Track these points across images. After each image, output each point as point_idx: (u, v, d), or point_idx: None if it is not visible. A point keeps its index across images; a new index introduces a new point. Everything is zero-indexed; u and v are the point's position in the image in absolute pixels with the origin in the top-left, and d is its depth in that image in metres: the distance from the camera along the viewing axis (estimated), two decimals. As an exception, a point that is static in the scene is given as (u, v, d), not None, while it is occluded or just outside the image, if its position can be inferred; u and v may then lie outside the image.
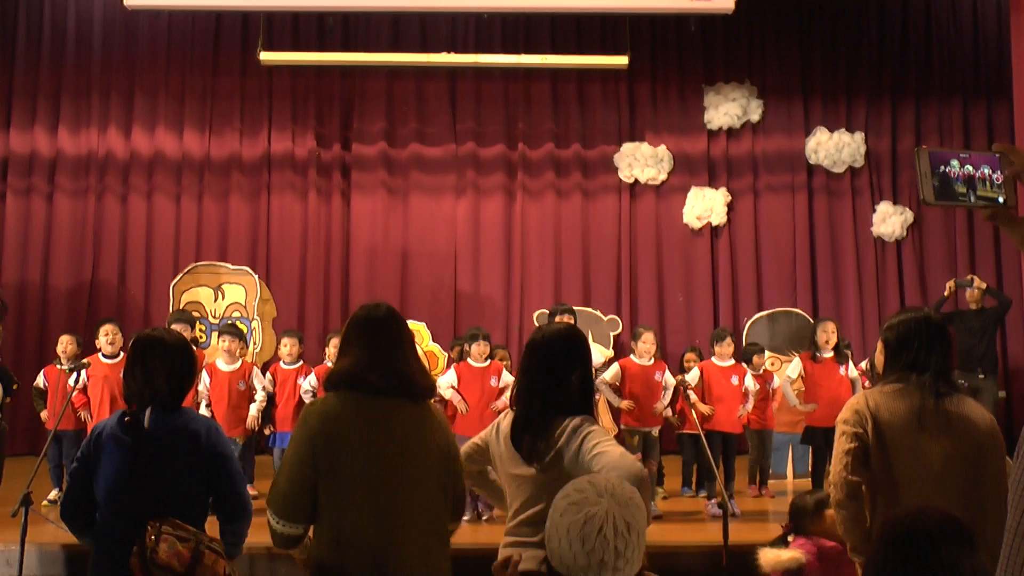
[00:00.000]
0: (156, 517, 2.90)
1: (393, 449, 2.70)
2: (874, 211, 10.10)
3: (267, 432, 7.46)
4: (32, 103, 9.88)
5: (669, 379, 7.03)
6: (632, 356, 7.17)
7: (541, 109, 10.15)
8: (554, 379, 2.80)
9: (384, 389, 2.73)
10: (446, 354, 9.20)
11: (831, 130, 10.07)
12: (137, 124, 9.91)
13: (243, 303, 9.59)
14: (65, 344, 7.32)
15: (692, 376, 7.00)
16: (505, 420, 2.92)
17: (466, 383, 7.17)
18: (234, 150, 9.90)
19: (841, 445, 3.02)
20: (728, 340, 7.24)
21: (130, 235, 9.84)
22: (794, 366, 7.21)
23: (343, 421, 2.71)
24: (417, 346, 7.77)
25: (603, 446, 2.65)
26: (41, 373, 7.33)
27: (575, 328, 3.09)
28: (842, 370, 7.10)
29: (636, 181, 10.07)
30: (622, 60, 9.03)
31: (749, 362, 7.49)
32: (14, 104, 9.86)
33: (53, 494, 6.83)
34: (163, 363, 3.08)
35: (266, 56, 8.98)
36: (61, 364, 7.18)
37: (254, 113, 9.95)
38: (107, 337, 7.06)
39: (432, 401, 2.91)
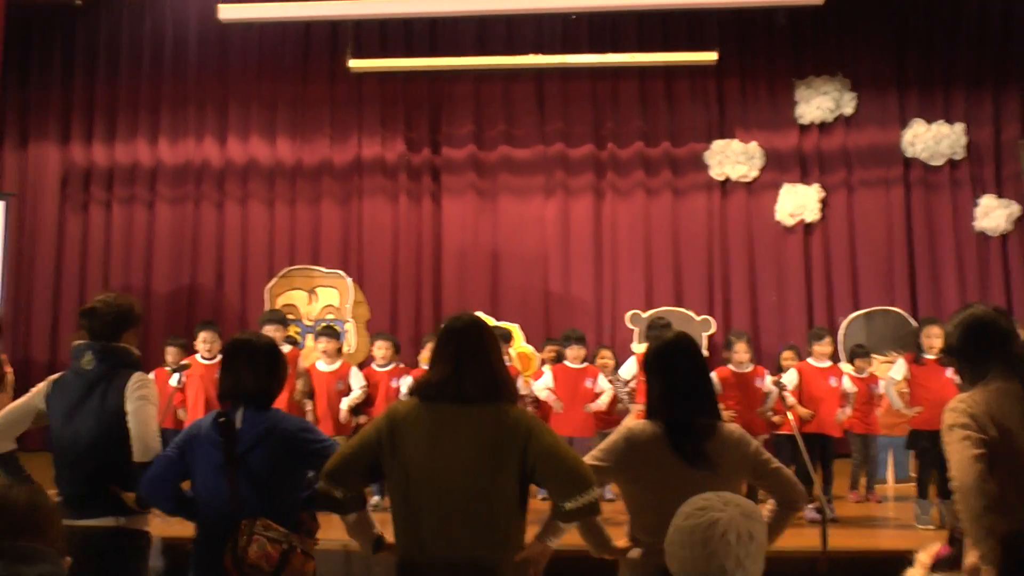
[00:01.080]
0: (248, 517, 2.97)
1: (448, 451, 2.78)
2: (976, 205, 9.86)
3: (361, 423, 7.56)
4: (134, 116, 10.41)
5: (770, 384, 6.94)
6: (729, 364, 7.12)
7: (629, 108, 10.17)
8: (696, 382, 3.02)
9: (452, 395, 2.83)
10: (539, 355, 9.27)
11: (929, 121, 9.87)
12: (231, 133, 10.33)
13: (337, 306, 9.83)
14: (172, 355, 7.73)
15: (789, 378, 6.92)
16: (639, 427, 3.03)
17: (562, 385, 7.27)
18: (325, 156, 10.19)
19: (965, 451, 2.84)
20: (827, 340, 7.15)
21: (226, 240, 10.24)
22: (898, 368, 7.01)
23: (410, 424, 2.84)
24: (508, 350, 7.86)
25: (776, 462, 2.99)
26: (151, 374, 7.63)
27: (689, 335, 3.23)
28: (948, 372, 6.90)
29: (727, 179, 10.03)
30: (710, 56, 9.00)
31: (852, 363, 7.36)
32: (118, 118, 10.41)
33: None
34: (252, 365, 3.17)
35: (355, 63, 9.20)
36: (169, 367, 7.53)
37: (344, 119, 10.23)
38: (205, 345, 7.38)
39: (517, 403, 2.97)
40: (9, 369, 4.11)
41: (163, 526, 3.64)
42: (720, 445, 2.92)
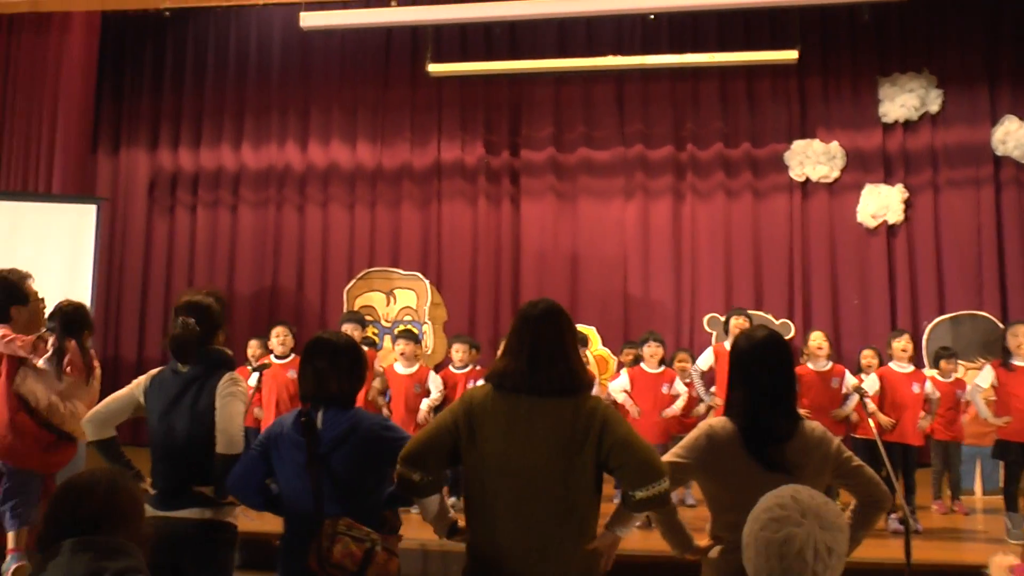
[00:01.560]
0: (331, 516, 3.00)
1: (523, 442, 2.80)
2: (1072, 204, 9.55)
3: None
4: (219, 123, 10.77)
5: (850, 386, 6.84)
6: (807, 362, 7.06)
7: (709, 108, 10.15)
8: (780, 384, 2.97)
9: (529, 388, 2.83)
10: (616, 358, 9.31)
11: (1022, 118, 9.57)
12: (313, 138, 10.60)
13: (414, 307, 9.99)
14: (253, 348, 7.90)
15: (870, 383, 6.81)
16: (720, 424, 3.00)
17: (639, 388, 7.30)
18: (405, 160, 10.37)
19: None
20: (906, 337, 6.95)
21: (307, 243, 10.49)
22: (985, 374, 6.80)
23: (487, 413, 2.85)
24: (585, 353, 7.90)
25: (857, 459, 2.93)
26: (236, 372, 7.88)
27: (781, 335, 3.18)
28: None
29: (808, 179, 9.93)
30: (792, 55, 8.91)
31: (937, 367, 7.23)
32: (204, 124, 10.80)
33: None
34: (332, 364, 3.19)
35: (435, 68, 9.34)
36: (250, 365, 7.77)
37: (424, 123, 10.40)
38: (279, 339, 7.56)
39: (592, 394, 2.95)
40: (96, 364, 4.30)
41: (247, 522, 3.77)
42: (801, 446, 2.89)
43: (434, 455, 2.91)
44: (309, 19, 8.72)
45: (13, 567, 3.94)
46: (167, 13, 9.24)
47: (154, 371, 3.74)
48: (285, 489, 3.20)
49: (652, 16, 9.55)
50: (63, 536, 2.02)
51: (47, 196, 8.94)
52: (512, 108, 10.39)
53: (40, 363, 4.10)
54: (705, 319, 9.58)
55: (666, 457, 2.96)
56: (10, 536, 4.00)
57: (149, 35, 10.81)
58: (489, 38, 10.09)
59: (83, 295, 7.83)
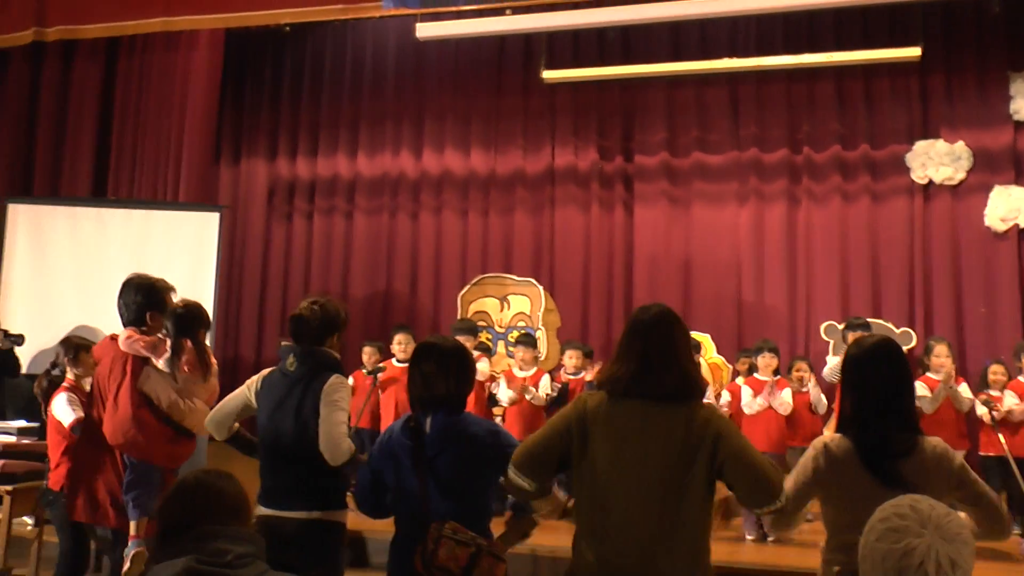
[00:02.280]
0: (438, 520, 3.06)
1: (633, 449, 2.79)
2: None
3: None
4: (335, 132, 11.13)
5: (972, 398, 6.66)
6: (928, 372, 6.93)
7: (826, 110, 10.01)
8: (892, 393, 2.89)
9: (640, 392, 2.83)
10: (730, 367, 9.26)
11: None
12: (427, 146, 10.85)
13: (528, 313, 10.10)
14: (368, 353, 8.14)
15: (1008, 401, 6.62)
16: (834, 441, 2.94)
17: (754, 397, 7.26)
18: (518, 166, 10.53)
19: None
20: None
21: (420, 249, 10.73)
22: None
23: (600, 420, 2.85)
24: (699, 360, 7.90)
25: (981, 484, 2.83)
26: (351, 376, 8.10)
27: (895, 341, 3.11)
28: None
29: (930, 182, 9.68)
30: (914, 51, 8.75)
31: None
32: (320, 134, 11.17)
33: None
34: (440, 367, 3.26)
35: (548, 74, 9.47)
36: (364, 369, 8.01)
37: (537, 130, 10.53)
38: (400, 345, 7.80)
39: (705, 403, 2.94)
40: (213, 360, 4.50)
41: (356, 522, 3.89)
42: (920, 462, 2.81)
43: (545, 461, 2.95)
44: (425, 30, 8.93)
45: (133, 552, 4.18)
46: (287, 28, 9.58)
47: (265, 371, 3.90)
48: (395, 491, 3.31)
49: (768, 16, 9.46)
50: (177, 528, 2.16)
51: (174, 204, 9.35)
52: (625, 113, 10.43)
53: (160, 364, 4.29)
54: (822, 327, 9.44)
55: (787, 481, 2.93)
56: (132, 524, 4.22)
57: (269, 50, 11.26)
58: (602, 43, 10.15)
59: (206, 297, 8.20)
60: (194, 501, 2.21)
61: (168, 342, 4.40)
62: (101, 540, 4.66)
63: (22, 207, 8.99)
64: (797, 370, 7.73)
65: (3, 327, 7.68)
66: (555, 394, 7.68)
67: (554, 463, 2.95)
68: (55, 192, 9.70)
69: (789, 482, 2.92)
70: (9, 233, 8.82)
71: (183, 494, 2.24)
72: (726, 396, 7.51)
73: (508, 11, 8.94)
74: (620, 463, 2.79)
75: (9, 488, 5.69)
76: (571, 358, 8.07)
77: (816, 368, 8.07)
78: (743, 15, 9.33)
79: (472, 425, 3.27)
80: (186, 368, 4.30)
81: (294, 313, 3.86)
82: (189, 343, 4.36)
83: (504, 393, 7.69)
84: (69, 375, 5.21)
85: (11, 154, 9.83)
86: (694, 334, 8.76)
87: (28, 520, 5.97)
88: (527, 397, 7.54)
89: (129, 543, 4.25)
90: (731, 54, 9.63)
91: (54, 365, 5.37)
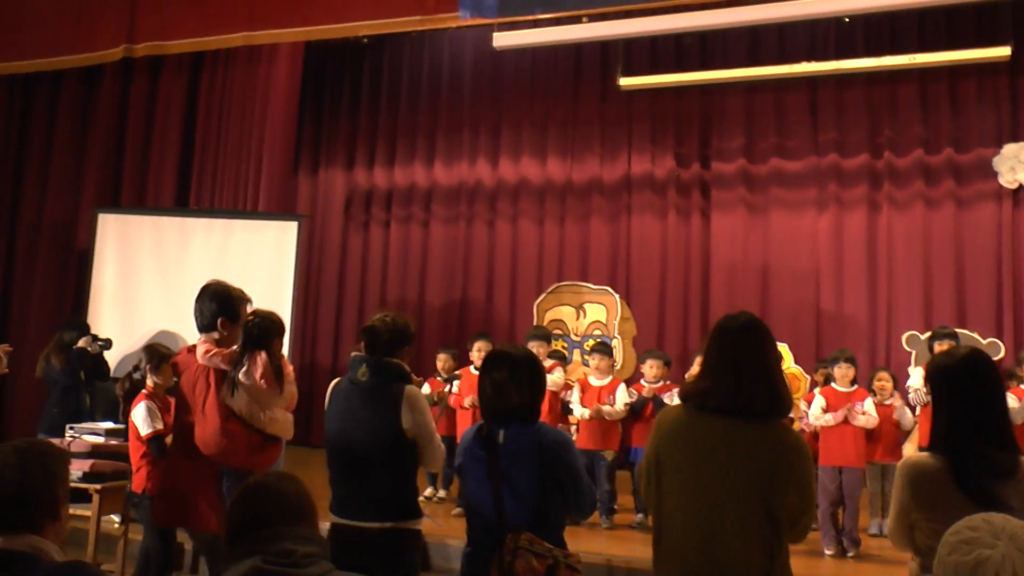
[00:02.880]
0: (513, 531, 3.04)
1: (713, 468, 2.70)
2: None
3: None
4: (412, 142, 11.38)
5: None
6: (1022, 385, 6.73)
7: (908, 113, 9.87)
8: (985, 409, 2.73)
9: (732, 408, 2.73)
10: (808, 377, 9.13)
11: None
12: (503, 154, 11.02)
13: (604, 322, 10.12)
14: (443, 361, 8.27)
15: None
16: (921, 462, 2.79)
17: (831, 409, 7.10)
18: (595, 174, 10.59)
19: None
20: None
21: (497, 257, 10.88)
22: None
23: (675, 433, 2.80)
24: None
25: None
26: (426, 383, 8.19)
27: (985, 353, 2.98)
28: None
29: (1020, 186, 9.45)
30: (1003, 51, 8.52)
31: None
32: (398, 144, 11.43)
33: (428, 491, 7.65)
34: (511, 376, 3.25)
35: (625, 81, 9.48)
36: (441, 376, 8.08)
37: (614, 137, 10.60)
38: (479, 353, 7.83)
39: (785, 421, 2.87)
40: (288, 368, 4.57)
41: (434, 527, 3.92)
42: (1020, 485, 2.61)
43: (649, 490, 2.89)
44: (502, 39, 9.00)
45: None
46: (365, 40, 9.76)
47: (335, 381, 3.98)
48: (470, 500, 3.33)
49: (847, 19, 9.34)
50: (244, 529, 2.23)
51: (253, 214, 9.56)
52: (702, 119, 10.44)
53: (238, 378, 4.39)
54: (904, 337, 9.27)
55: (890, 523, 2.86)
56: None
57: (348, 61, 11.58)
58: (679, 49, 10.18)
59: (284, 304, 8.41)
60: (259, 503, 2.28)
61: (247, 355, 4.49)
62: (200, 542, 4.77)
63: (110, 217, 9.32)
64: (879, 379, 7.53)
65: (92, 332, 7.96)
66: (634, 400, 7.65)
67: (657, 486, 2.87)
68: (141, 202, 10.03)
69: (892, 525, 2.83)
70: (99, 241, 9.15)
71: (248, 497, 2.32)
72: (804, 407, 7.39)
73: (585, 19, 8.96)
74: (701, 481, 2.72)
75: (98, 487, 5.90)
76: (651, 367, 8.01)
77: (900, 381, 7.89)
78: (823, 18, 9.21)
79: (546, 436, 3.24)
80: (261, 381, 4.34)
81: (367, 325, 3.93)
82: (263, 355, 4.39)
83: (578, 409, 7.69)
84: (149, 382, 5.38)
85: (101, 166, 10.21)
86: (773, 343, 8.63)
87: (115, 518, 6.18)
88: (604, 415, 7.52)
89: None
90: (810, 58, 9.53)
91: (136, 369, 5.54)
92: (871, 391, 7.30)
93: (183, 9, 9.49)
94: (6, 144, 10.43)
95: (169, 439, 4.85)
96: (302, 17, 9.22)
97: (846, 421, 6.82)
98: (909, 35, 9.66)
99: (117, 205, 9.97)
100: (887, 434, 7.25)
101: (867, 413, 6.94)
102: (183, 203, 10.02)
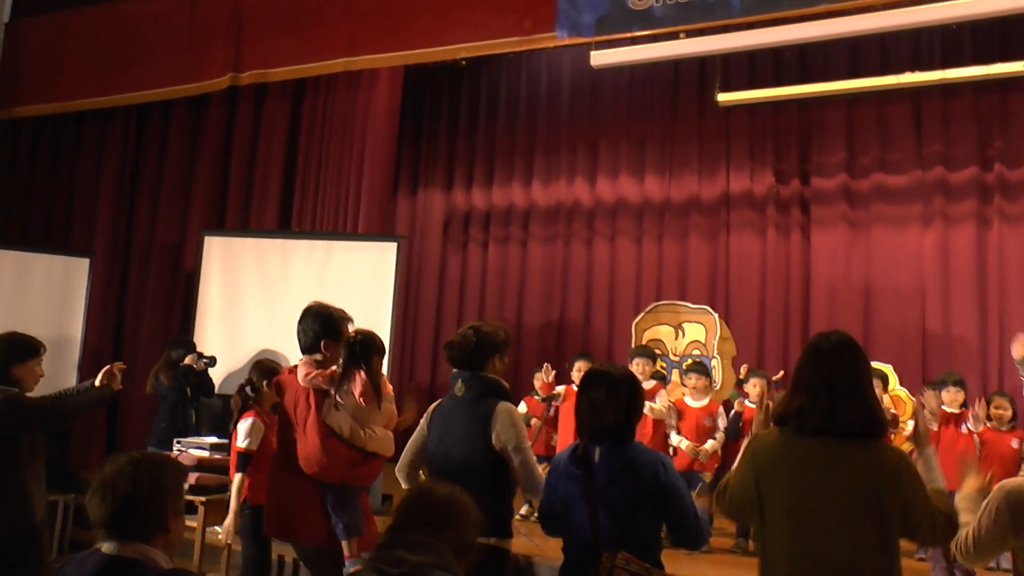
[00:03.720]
0: (609, 550, 3.05)
1: (818, 494, 2.69)
2: None
3: None
4: (509, 162, 11.56)
5: None
6: None
7: (1021, 123, 9.52)
8: None
9: (828, 429, 2.73)
10: (913, 399, 8.87)
11: None
12: (601, 173, 11.09)
13: (703, 341, 10.05)
14: (540, 379, 8.31)
15: None
16: (1019, 489, 2.80)
17: (938, 432, 6.94)
18: (693, 192, 10.59)
19: None
20: None
21: (594, 276, 10.95)
22: None
23: (773, 460, 2.80)
24: (883, 394, 7.56)
25: None
26: (523, 402, 8.24)
27: None
28: None
29: None
30: None
31: None
32: (495, 164, 11.63)
33: (524, 509, 7.79)
34: (609, 395, 3.28)
35: (723, 97, 9.46)
36: (537, 395, 8.12)
37: (712, 154, 10.57)
38: (579, 372, 7.86)
39: (889, 443, 2.84)
40: (387, 386, 4.67)
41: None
42: None
43: (745, 509, 2.95)
44: (599, 58, 9.07)
45: (351, 570, 4.39)
46: (463, 63, 9.92)
47: (436, 403, 4.12)
48: (564, 519, 3.36)
49: (954, 26, 9.10)
50: (399, 532, 2.29)
51: (353, 235, 9.80)
52: (802, 134, 10.33)
53: (338, 397, 4.50)
54: (1016, 356, 8.89)
55: (970, 541, 2.83)
56: (344, 545, 4.45)
57: (446, 83, 11.87)
58: (778, 63, 10.10)
59: (383, 324, 8.60)
60: (402, 507, 2.34)
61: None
62: (305, 555, 4.91)
63: (216, 239, 9.72)
64: (996, 406, 7.25)
65: (198, 350, 8.29)
66: (727, 426, 7.58)
67: (754, 509, 2.89)
68: (245, 225, 10.41)
69: (973, 540, 2.83)
70: (205, 263, 9.55)
71: (402, 501, 2.40)
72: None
73: (682, 34, 8.96)
74: (805, 507, 2.72)
75: (203, 499, 6.17)
76: (755, 386, 7.95)
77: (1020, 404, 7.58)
78: (928, 26, 8.98)
79: (642, 456, 3.27)
80: (361, 399, 4.45)
81: (448, 340, 4.06)
82: (362, 373, 4.49)
83: (675, 437, 7.65)
84: (257, 398, 5.59)
85: (208, 191, 10.66)
86: (877, 365, 8.48)
87: (219, 529, 6.40)
88: (699, 458, 7.47)
89: (346, 563, 4.50)
90: (914, 67, 9.32)
91: (248, 383, 5.74)
92: (988, 418, 7.05)
93: (286, 38, 9.88)
94: (121, 171, 11.01)
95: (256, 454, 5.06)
96: (401, 42, 9.47)
97: (956, 440, 6.69)
98: (1021, 40, 9.35)
99: (222, 228, 10.38)
100: (1005, 460, 6.95)
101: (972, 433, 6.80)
102: (285, 225, 10.35)
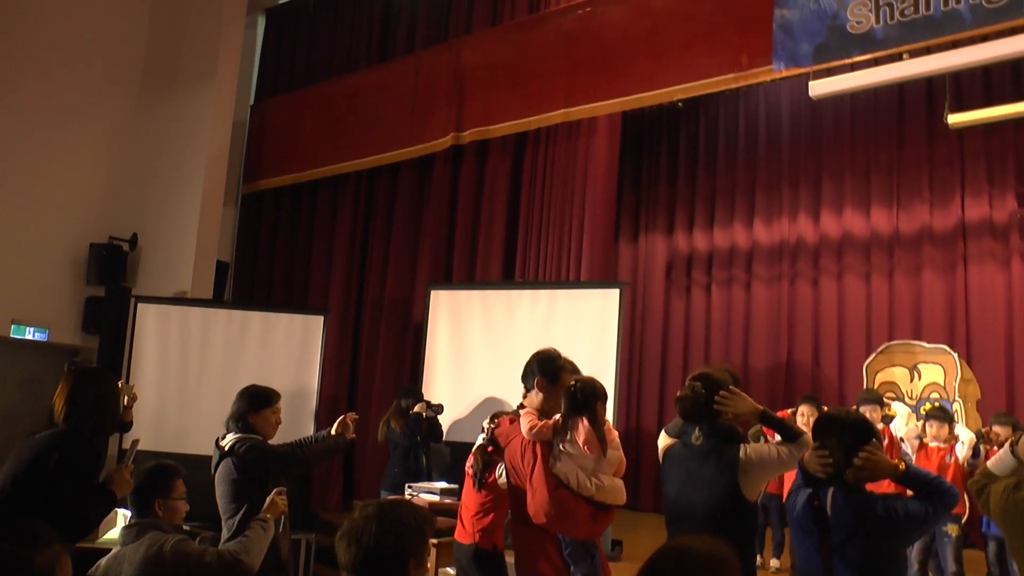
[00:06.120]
0: None
1: None
2: None
3: None
4: (730, 202, 11.49)
5: None
6: None
7: None
8: None
9: None
10: None
11: None
12: (825, 208, 10.78)
13: (942, 384, 9.50)
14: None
15: None
16: None
17: None
18: (924, 222, 10.10)
19: None
20: None
21: (822, 316, 10.62)
22: None
23: None
24: None
25: None
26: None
27: None
28: None
29: None
30: None
31: None
32: (716, 205, 11.60)
33: (774, 563, 7.65)
34: (840, 441, 3.32)
35: (954, 118, 8.95)
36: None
37: (944, 180, 10.05)
38: (803, 417, 7.70)
39: None
40: (612, 433, 4.72)
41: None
42: None
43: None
44: (818, 87, 8.89)
45: None
46: (680, 104, 10.01)
47: (667, 443, 4.15)
48: (801, 566, 3.40)
49: None
50: None
51: (576, 283, 10.02)
52: (1048, 152, 9.59)
53: (562, 446, 4.60)
54: None
55: None
56: None
57: (664, 126, 12.00)
58: (1017, 77, 9.48)
59: (608, 371, 8.71)
60: (657, 566, 2.33)
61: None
62: None
63: (443, 292, 10.24)
64: None
65: (427, 398, 8.73)
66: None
67: None
68: (471, 277, 10.90)
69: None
70: (432, 315, 10.08)
71: (655, 559, 2.37)
72: None
73: (906, 55, 8.64)
74: None
75: (435, 541, 6.49)
76: (996, 435, 7.48)
77: None
78: None
79: (879, 503, 3.26)
80: (585, 447, 4.52)
81: (677, 396, 4.15)
82: (585, 421, 4.56)
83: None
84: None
85: (434, 246, 11.27)
86: None
87: (450, 570, 6.70)
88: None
89: None
90: None
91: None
92: None
93: (504, 94, 10.33)
94: (353, 232, 11.88)
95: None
96: (618, 89, 9.67)
97: None
98: None
99: (449, 281, 10.91)
100: None
101: None
102: (509, 276, 10.73)
